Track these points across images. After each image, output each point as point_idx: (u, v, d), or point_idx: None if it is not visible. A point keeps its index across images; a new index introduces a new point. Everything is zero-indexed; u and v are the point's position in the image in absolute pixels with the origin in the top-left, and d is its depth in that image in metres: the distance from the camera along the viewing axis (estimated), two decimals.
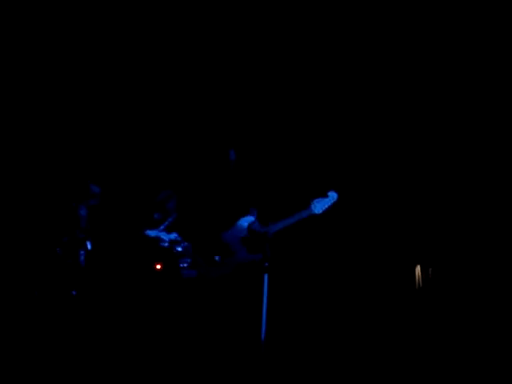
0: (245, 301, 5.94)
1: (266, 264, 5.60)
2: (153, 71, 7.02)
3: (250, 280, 5.90)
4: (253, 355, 5.53)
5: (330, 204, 5.65)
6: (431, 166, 6.78)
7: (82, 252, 6.12)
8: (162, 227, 6.32)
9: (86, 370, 5.58)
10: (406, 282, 6.64)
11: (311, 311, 6.53)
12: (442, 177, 6.73)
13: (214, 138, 6.74)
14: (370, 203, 6.85)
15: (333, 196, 5.67)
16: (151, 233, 6.23)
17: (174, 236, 6.25)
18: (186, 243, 6.17)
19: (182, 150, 7.03)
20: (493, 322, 6.16)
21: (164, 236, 6.25)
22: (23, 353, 5.72)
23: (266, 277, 5.69)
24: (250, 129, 6.85)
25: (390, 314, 6.48)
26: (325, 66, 6.92)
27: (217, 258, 5.89)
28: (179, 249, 6.16)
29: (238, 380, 5.52)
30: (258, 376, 5.39)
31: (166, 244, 6.20)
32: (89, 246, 6.18)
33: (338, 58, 6.87)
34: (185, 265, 6.07)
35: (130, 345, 5.93)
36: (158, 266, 6.02)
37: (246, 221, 5.93)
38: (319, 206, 5.62)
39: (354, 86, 6.90)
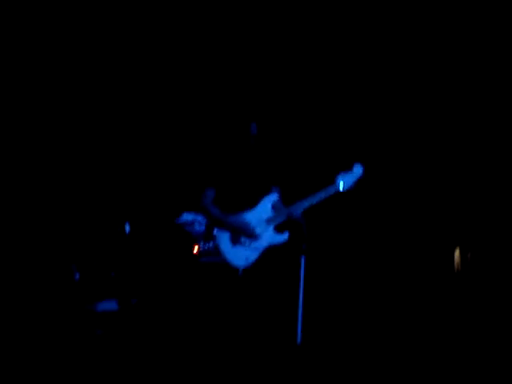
0: (279, 289, 5.85)
1: (304, 246, 5.51)
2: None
3: (281, 266, 5.78)
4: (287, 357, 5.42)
5: (356, 179, 5.44)
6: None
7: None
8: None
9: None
10: (444, 265, 6.56)
11: (348, 298, 6.45)
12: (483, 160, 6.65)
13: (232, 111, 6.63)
14: (406, 182, 6.74)
15: (358, 170, 5.44)
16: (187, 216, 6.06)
17: (200, 217, 6.02)
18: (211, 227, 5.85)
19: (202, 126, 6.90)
20: None
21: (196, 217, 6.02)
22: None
23: (303, 260, 5.61)
24: (270, 101, 6.71)
25: (428, 299, 6.42)
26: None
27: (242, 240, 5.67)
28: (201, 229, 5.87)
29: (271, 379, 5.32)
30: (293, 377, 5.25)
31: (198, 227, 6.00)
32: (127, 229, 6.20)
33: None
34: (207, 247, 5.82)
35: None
36: (196, 249, 5.91)
37: (269, 200, 5.70)
38: (345, 182, 5.41)
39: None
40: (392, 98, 6.79)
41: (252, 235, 5.61)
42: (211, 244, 5.72)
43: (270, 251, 5.62)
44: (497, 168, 6.56)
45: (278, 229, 5.63)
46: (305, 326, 5.33)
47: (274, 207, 5.68)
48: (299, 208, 5.54)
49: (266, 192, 5.72)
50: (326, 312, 6.36)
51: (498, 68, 6.54)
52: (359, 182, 5.47)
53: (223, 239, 5.69)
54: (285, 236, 5.61)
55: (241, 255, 5.62)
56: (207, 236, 5.76)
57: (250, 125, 5.79)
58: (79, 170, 6.67)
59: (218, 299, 5.72)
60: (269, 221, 5.64)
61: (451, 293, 6.43)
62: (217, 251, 5.68)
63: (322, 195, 5.50)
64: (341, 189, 5.44)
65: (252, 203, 5.70)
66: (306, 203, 5.53)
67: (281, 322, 5.76)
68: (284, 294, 5.82)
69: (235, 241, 5.65)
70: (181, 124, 6.86)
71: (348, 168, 5.48)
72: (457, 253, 6.51)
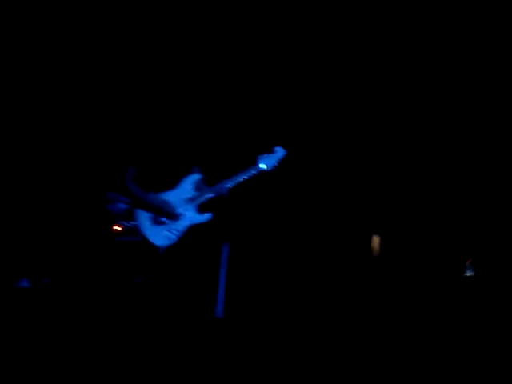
0: (200, 274, 5.83)
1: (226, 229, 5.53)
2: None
3: (202, 249, 5.77)
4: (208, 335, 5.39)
5: (277, 159, 5.53)
6: None
7: None
8: None
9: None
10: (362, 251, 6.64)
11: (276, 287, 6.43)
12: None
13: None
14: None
15: (279, 151, 5.54)
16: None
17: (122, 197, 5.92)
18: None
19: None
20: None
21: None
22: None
23: (225, 246, 5.63)
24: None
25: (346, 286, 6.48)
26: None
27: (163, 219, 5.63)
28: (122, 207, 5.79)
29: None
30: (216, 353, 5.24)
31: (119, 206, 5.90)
32: None
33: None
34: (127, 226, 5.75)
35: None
36: (118, 228, 5.83)
37: (190, 180, 5.70)
38: (267, 162, 5.51)
39: None
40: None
41: (173, 215, 5.57)
42: (131, 223, 5.66)
43: (193, 233, 5.60)
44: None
45: (201, 209, 5.60)
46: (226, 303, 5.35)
47: (196, 187, 5.66)
48: (223, 187, 5.55)
49: (186, 172, 5.70)
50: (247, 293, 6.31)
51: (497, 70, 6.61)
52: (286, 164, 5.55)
53: (144, 219, 5.63)
54: (207, 216, 5.58)
55: (162, 235, 5.58)
56: (128, 215, 5.70)
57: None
58: None
59: (136, 278, 5.67)
60: (190, 200, 5.60)
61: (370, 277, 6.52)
62: (137, 230, 5.62)
63: (244, 175, 5.54)
64: (264, 168, 5.51)
65: (173, 183, 5.68)
66: (230, 183, 5.55)
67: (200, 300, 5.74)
68: (205, 276, 5.81)
69: (156, 220, 5.61)
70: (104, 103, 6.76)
71: (269, 151, 5.56)
72: (375, 240, 6.61)
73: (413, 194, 6.67)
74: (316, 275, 6.44)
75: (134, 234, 5.66)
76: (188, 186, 5.69)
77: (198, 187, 5.68)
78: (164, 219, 5.60)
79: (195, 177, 5.71)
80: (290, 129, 6.49)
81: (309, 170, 6.66)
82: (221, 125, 6.60)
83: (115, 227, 5.72)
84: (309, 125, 6.67)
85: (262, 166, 5.53)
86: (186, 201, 5.62)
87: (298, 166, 6.35)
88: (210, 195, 5.60)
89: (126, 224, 5.68)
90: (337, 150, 6.71)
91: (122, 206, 5.69)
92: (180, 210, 5.59)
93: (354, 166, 6.70)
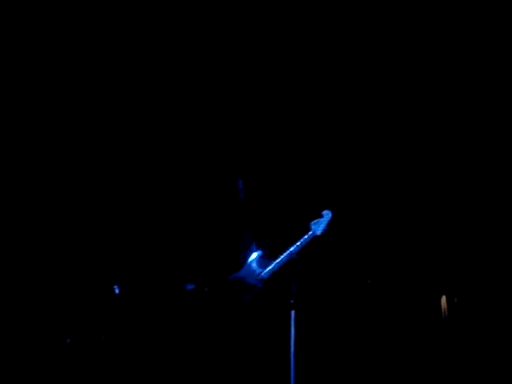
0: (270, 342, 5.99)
1: (292, 300, 5.68)
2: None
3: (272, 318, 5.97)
4: None
5: (327, 222, 5.91)
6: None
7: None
8: None
9: None
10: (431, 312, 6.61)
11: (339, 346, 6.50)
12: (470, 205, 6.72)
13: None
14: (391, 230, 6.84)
15: (327, 214, 5.93)
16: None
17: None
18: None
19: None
20: None
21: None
22: None
23: (292, 314, 5.76)
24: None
25: (417, 344, 6.47)
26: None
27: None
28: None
29: None
30: None
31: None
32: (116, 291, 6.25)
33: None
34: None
35: None
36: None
37: (254, 261, 6.06)
38: (318, 227, 5.89)
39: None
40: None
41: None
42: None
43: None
44: (478, 218, 6.65)
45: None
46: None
47: (260, 264, 5.91)
48: (282, 261, 5.91)
49: (247, 248, 6.05)
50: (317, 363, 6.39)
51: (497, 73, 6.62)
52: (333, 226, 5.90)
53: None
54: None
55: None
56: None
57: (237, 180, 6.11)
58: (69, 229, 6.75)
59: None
60: (259, 277, 5.94)
61: (440, 338, 6.49)
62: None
63: (301, 243, 5.91)
64: (317, 233, 5.90)
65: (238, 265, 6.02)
66: (288, 255, 5.90)
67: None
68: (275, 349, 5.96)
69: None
70: (167, 188, 6.97)
71: (318, 216, 5.93)
72: (443, 300, 6.57)
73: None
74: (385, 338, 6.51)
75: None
76: (253, 265, 5.97)
77: (262, 264, 5.93)
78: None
79: (257, 254, 6.04)
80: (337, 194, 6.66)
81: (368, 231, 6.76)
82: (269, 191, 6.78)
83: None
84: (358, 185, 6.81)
85: (315, 231, 5.88)
86: (256, 278, 5.94)
87: (356, 228, 6.52)
88: (277, 267, 5.91)
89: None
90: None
91: (189, 286, 6.00)
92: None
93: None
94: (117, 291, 6.19)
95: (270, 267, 5.95)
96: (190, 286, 6.06)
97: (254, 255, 6.03)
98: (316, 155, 6.91)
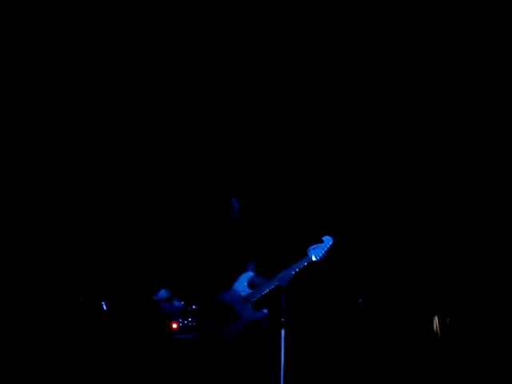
0: (261, 361, 5.90)
1: (283, 319, 5.59)
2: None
3: (262, 338, 5.86)
4: None
5: (326, 249, 5.64)
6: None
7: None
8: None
9: None
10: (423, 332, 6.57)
11: (330, 365, 6.45)
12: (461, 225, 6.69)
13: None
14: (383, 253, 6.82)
15: (328, 240, 5.65)
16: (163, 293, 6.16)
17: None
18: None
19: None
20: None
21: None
22: None
23: (282, 332, 5.68)
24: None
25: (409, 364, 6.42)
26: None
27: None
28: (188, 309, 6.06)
29: None
30: None
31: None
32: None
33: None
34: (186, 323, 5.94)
35: None
36: (175, 326, 5.96)
37: (245, 278, 5.89)
38: (316, 253, 5.62)
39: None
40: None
41: (232, 316, 5.69)
42: (191, 320, 5.81)
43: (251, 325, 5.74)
44: (470, 239, 6.61)
45: (256, 306, 5.71)
46: None
47: (249, 285, 5.79)
48: (280, 281, 5.67)
49: (241, 269, 5.88)
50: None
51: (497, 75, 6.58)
52: (332, 253, 5.65)
53: (204, 318, 5.78)
54: (264, 312, 5.68)
55: (224, 333, 5.70)
56: (185, 312, 5.84)
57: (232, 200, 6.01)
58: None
59: (196, 375, 5.77)
60: (246, 299, 5.75)
61: (432, 359, 6.44)
62: (197, 327, 5.76)
63: (296, 267, 5.65)
64: (314, 259, 5.62)
65: (228, 281, 5.84)
66: (285, 276, 5.66)
67: None
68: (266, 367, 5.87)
69: (217, 319, 5.74)
70: (157, 201, 6.93)
71: (318, 241, 5.68)
72: (435, 320, 6.53)
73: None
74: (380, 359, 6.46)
75: (193, 331, 5.79)
76: (242, 285, 5.84)
77: (252, 285, 5.83)
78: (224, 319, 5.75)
79: (248, 275, 5.88)
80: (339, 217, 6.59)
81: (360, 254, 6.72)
82: (271, 213, 6.72)
83: (174, 325, 5.87)
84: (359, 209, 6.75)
85: (313, 257, 5.63)
86: (242, 300, 5.77)
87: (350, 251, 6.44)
88: (266, 291, 5.73)
89: (184, 321, 5.82)
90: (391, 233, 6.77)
91: (178, 303, 5.86)
92: (238, 309, 5.74)
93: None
94: (105, 307, 6.14)
95: (259, 290, 5.77)
96: (163, 293, 5.92)
97: (246, 276, 5.90)
98: (314, 174, 6.88)
